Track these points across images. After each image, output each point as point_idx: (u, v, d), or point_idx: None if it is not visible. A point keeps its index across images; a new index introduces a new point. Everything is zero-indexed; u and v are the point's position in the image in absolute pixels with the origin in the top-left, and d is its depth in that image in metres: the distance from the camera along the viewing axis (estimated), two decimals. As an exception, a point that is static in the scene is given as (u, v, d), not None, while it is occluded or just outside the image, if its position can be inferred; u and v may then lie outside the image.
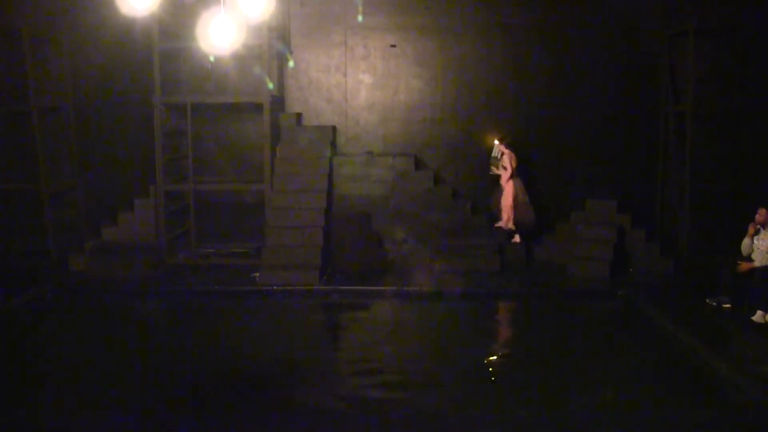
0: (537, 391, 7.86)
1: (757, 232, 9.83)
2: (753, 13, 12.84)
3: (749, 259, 9.81)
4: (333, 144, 13.47)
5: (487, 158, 13.24)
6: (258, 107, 12.84)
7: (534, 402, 7.57)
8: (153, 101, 12.67)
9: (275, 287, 11.51)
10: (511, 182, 12.94)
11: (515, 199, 12.92)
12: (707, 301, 10.25)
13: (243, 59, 12.65)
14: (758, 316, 9.31)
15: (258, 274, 11.79)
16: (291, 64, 13.69)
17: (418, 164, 13.44)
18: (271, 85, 12.83)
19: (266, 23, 12.00)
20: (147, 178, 13.08)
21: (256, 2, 8.48)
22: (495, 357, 9.16)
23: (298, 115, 13.67)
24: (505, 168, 12.94)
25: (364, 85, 13.84)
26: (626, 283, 11.72)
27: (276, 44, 13.20)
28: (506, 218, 12.97)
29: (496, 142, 13.16)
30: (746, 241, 9.92)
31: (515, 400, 7.61)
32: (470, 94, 13.70)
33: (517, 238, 13.02)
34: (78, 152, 13.47)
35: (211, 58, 12.22)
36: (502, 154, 13.02)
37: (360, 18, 13.37)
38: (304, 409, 7.40)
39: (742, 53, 12.99)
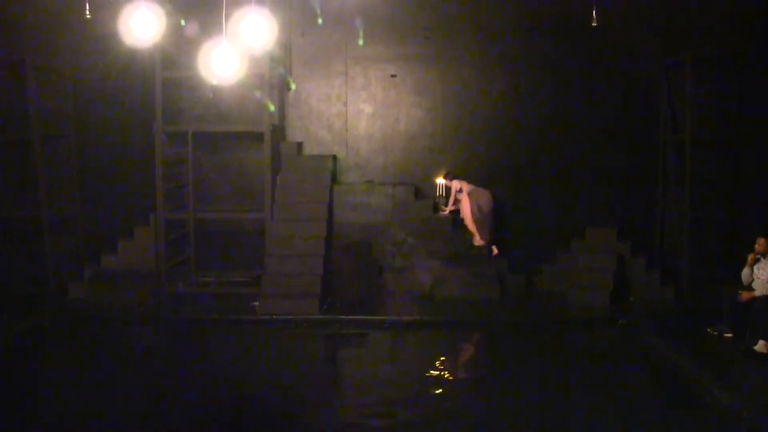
0: (538, 420, 7.80)
1: (756, 261, 9.83)
2: (750, 42, 12.96)
3: (750, 288, 9.80)
4: (333, 173, 13.51)
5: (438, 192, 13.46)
6: (259, 136, 12.89)
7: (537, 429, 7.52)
8: (154, 129, 12.73)
9: (275, 316, 11.47)
10: (465, 197, 13.01)
11: (475, 211, 12.92)
12: (708, 330, 10.22)
13: (244, 88, 12.69)
14: (760, 346, 9.27)
15: (258, 302, 11.76)
16: (293, 86, 13.74)
17: (418, 193, 13.46)
18: (272, 108, 12.88)
19: (268, 53, 12.07)
20: (147, 206, 13.08)
21: (257, 32, 8.55)
22: (496, 388, 9.09)
23: (299, 144, 13.72)
24: (460, 192, 13.11)
25: (365, 114, 13.91)
26: (626, 311, 11.70)
27: (277, 74, 13.28)
28: (474, 232, 12.96)
29: (440, 180, 13.34)
30: (746, 270, 9.91)
31: (519, 426, 7.55)
32: (470, 123, 13.76)
33: (495, 250, 13.04)
34: (79, 180, 13.50)
35: (213, 87, 12.27)
36: (448, 189, 13.26)
37: (360, 42, 13.45)
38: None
39: (740, 82, 13.07)
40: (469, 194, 13.01)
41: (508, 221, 13.61)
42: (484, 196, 13.01)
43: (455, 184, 13.20)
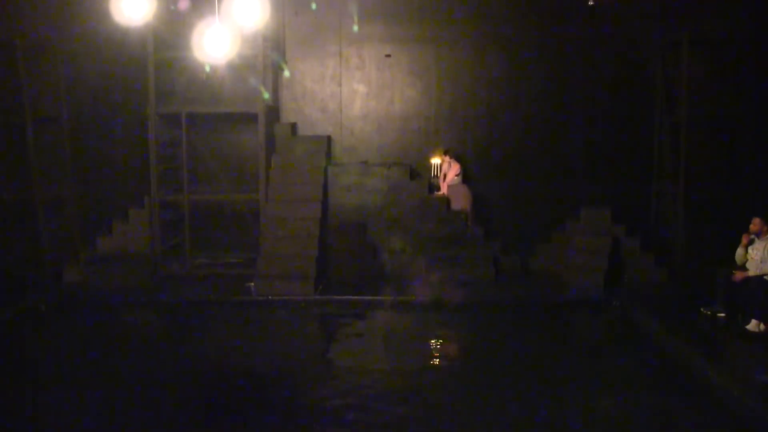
0: (533, 400, 7.84)
1: (751, 242, 9.85)
2: (746, 23, 12.91)
3: (743, 268, 9.82)
4: (328, 154, 13.48)
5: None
6: (253, 117, 12.85)
7: (531, 411, 7.55)
8: (148, 111, 12.67)
9: (270, 297, 11.49)
10: (444, 186, 13.24)
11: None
12: (702, 310, 10.26)
13: (238, 69, 12.65)
14: (752, 325, 9.33)
15: (253, 284, 11.77)
16: (286, 73, 13.71)
17: (413, 174, 13.44)
18: (266, 96, 12.84)
19: (261, 33, 12.04)
20: (142, 189, 13.05)
21: (250, 12, 8.50)
22: (489, 366, 9.12)
23: (293, 125, 13.68)
24: (445, 175, 13.31)
25: (359, 95, 13.86)
26: (621, 292, 11.73)
27: (271, 54, 13.22)
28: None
29: (437, 160, 13.39)
30: (740, 250, 9.93)
31: (514, 408, 7.59)
32: (465, 104, 13.73)
33: None
34: (72, 162, 13.43)
35: (206, 68, 12.24)
36: (441, 167, 13.39)
37: (355, 28, 13.39)
38: (300, 422, 7.37)
39: (736, 63, 13.04)
40: (449, 188, 13.11)
41: (503, 202, 13.61)
42: (458, 195, 13.06)
43: (445, 165, 13.24)
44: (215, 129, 13.58)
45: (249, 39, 11.64)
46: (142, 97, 12.80)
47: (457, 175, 13.20)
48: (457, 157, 13.38)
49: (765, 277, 9.48)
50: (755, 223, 9.82)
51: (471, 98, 13.72)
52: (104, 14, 8.92)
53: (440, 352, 9.96)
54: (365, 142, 13.90)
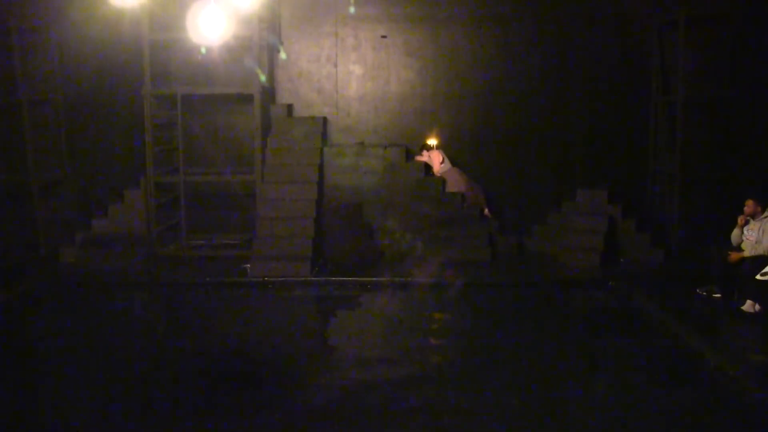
0: (530, 382, 7.87)
1: (746, 223, 9.88)
2: (744, 2, 12.85)
3: (739, 249, 9.86)
4: (324, 135, 13.44)
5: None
6: (248, 98, 12.80)
7: (528, 392, 7.58)
8: (143, 92, 12.61)
9: (266, 279, 11.51)
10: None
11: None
12: (697, 290, 10.30)
13: (233, 50, 12.58)
14: (748, 306, 9.37)
15: (249, 265, 11.77)
16: (283, 56, 13.64)
17: (410, 155, 13.42)
18: (263, 78, 12.79)
19: (256, 14, 11.96)
20: (137, 170, 13.02)
21: (245, -8, 8.47)
22: (489, 347, 9.16)
23: (289, 106, 13.63)
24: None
25: (355, 75, 13.80)
26: (617, 273, 11.77)
27: (266, 35, 13.14)
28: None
29: (425, 151, 13.36)
30: (736, 231, 9.98)
31: (510, 390, 7.60)
32: (462, 84, 13.67)
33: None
34: (67, 144, 13.37)
35: (202, 50, 12.19)
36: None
37: (352, 10, 13.32)
38: (298, 404, 7.39)
39: (733, 43, 13.00)
40: (441, 175, 13.11)
41: (500, 183, 13.62)
42: (452, 180, 13.06)
43: (425, 158, 13.26)
44: (211, 110, 13.53)
45: (244, 20, 11.59)
46: (137, 78, 12.72)
47: (441, 163, 13.19)
48: (432, 146, 13.36)
49: (763, 273, 9.47)
50: (749, 205, 9.86)
51: (467, 78, 13.67)
52: (98, -6, 8.87)
53: (436, 331, 9.99)
54: (361, 123, 13.85)
